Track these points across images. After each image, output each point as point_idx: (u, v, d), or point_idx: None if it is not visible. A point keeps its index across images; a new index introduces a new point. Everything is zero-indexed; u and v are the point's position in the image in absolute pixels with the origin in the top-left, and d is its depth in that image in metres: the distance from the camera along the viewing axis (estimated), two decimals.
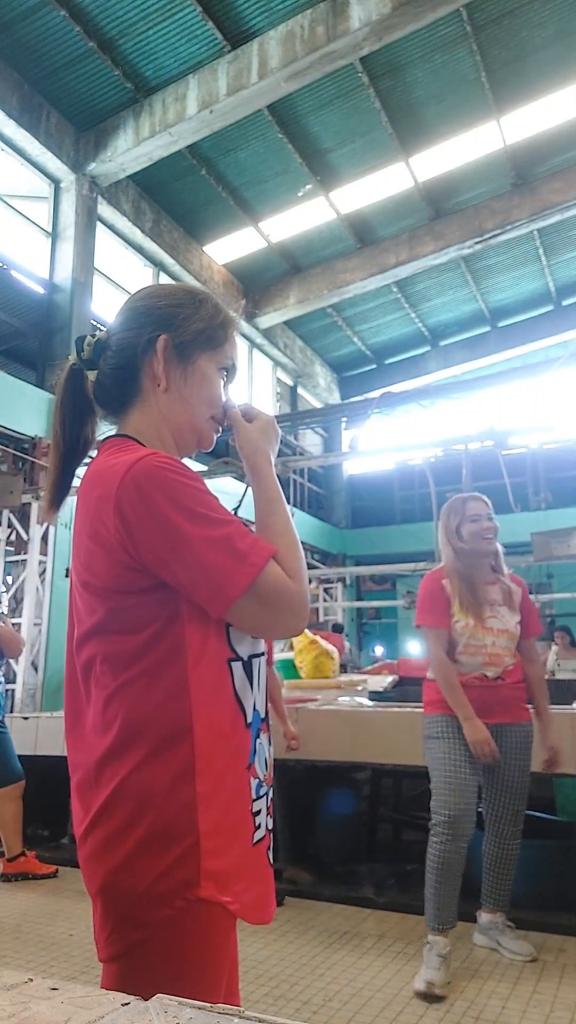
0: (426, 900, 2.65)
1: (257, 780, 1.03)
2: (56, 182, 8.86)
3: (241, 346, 12.94)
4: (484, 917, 2.90)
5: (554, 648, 8.32)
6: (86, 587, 1.00)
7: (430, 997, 2.47)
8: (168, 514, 0.93)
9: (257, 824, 1.02)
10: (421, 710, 2.97)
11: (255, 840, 1.01)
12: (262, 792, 1.04)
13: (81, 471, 1.11)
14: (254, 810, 1.01)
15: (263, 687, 1.08)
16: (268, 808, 1.07)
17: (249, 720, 1.02)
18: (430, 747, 2.77)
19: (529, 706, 2.91)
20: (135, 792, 0.93)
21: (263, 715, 1.07)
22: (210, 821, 0.93)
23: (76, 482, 1.11)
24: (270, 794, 1.08)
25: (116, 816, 0.93)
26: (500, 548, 2.94)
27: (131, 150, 8.50)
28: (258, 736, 1.05)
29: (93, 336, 1.10)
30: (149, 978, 0.86)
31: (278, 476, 1.19)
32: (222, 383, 1.13)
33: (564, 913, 3.09)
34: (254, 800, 1.02)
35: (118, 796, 0.94)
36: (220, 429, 1.16)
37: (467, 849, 2.66)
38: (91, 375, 1.10)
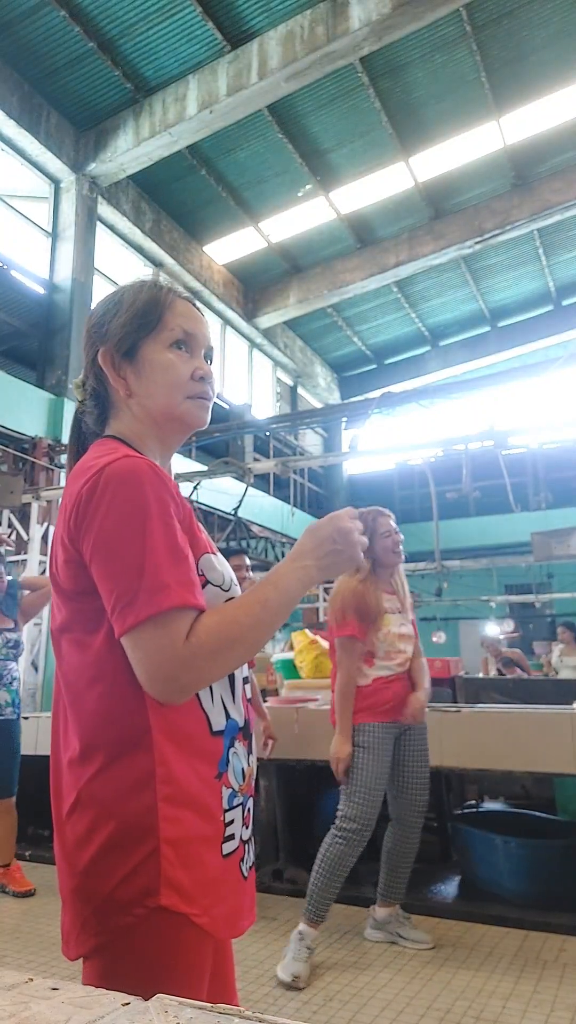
0: (312, 893, 2.78)
1: (230, 790, 1.00)
2: (56, 182, 8.86)
3: (241, 346, 12.94)
4: (380, 912, 2.99)
5: (557, 647, 8.31)
6: (54, 582, 1.01)
7: (294, 989, 2.57)
8: (106, 521, 0.91)
9: (229, 835, 0.99)
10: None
11: (226, 852, 0.98)
12: (236, 803, 1.01)
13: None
14: (226, 820, 0.98)
15: (238, 695, 1.05)
16: (244, 819, 1.03)
17: (218, 728, 0.99)
18: (357, 755, 2.84)
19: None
20: (97, 796, 0.93)
21: (240, 724, 1.04)
22: (173, 829, 0.91)
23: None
24: (248, 804, 1.04)
25: (82, 819, 0.93)
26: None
27: (131, 150, 8.50)
28: (232, 745, 1.01)
29: (79, 378, 1.13)
30: (115, 982, 0.84)
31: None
32: (181, 356, 1.07)
33: (564, 913, 3.08)
34: (226, 811, 0.98)
35: (82, 799, 0.94)
36: (209, 401, 1.09)
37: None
38: None
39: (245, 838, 1.03)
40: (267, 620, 0.96)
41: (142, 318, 1.06)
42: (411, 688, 2.93)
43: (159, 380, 1.05)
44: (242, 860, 1.02)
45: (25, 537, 7.35)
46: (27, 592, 3.96)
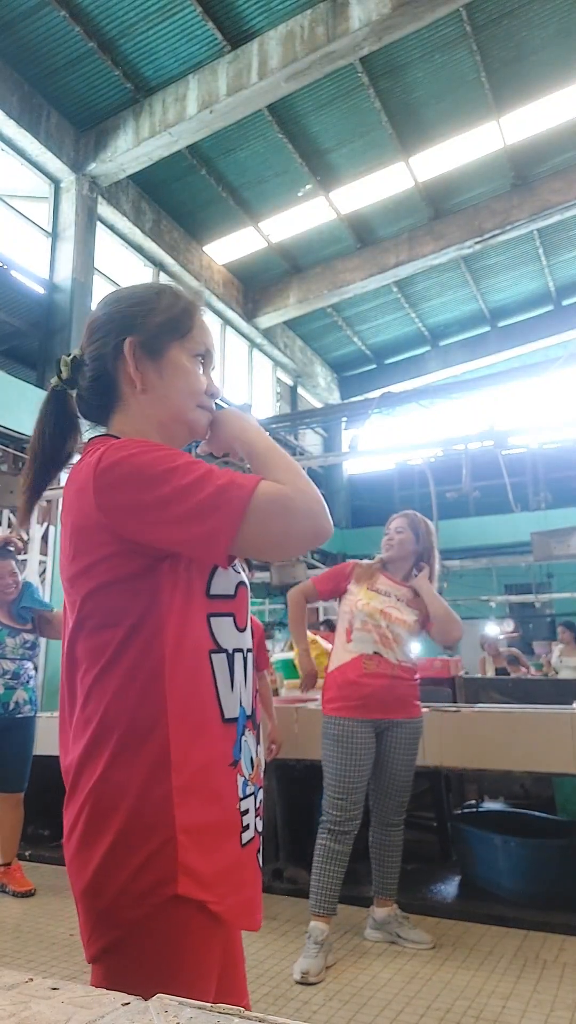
0: (311, 888, 2.88)
1: (243, 779, 1.00)
2: (56, 182, 8.86)
3: (241, 346, 12.94)
4: (379, 912, 3.01)
5: (557, 647, 8.32)
6: (71, 581, 1.01)
7: (306, 984, 2.61)
8: (144, 476, 0.94)
9: (245, 824, 0.99)
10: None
11: (244, 841, 0.98)
12: (249, 791, 1.01)
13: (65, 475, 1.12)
14: (241, 809, 0.98)
15: (248, 683, 1.06)
16: (257, 809, 1.03)
17: (231, 715, 1.00)
18: (326, 746, 2.91)
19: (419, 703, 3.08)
20: (109, 789, 0.92)
21: (248, 712, 1.04)
22: (188, 817, 0.91)
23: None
24: (259, 795, 1.05)
25: (93, 815, 0.93)
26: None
27: (131, 150, 8.49)
28: (243, 733, 1.02)
29: (69, 355, 1.12)
30: (127, 979, 0.84)
31: None
32: (200, 370, 1.12)
33: (564, 913, 3.09)
34: (241, 799, 0.99)
35: (94, 795, 0.93)
36: (211, 416, 1.14)
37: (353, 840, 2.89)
38: (75, 392, 1.12)
39: (259, 828, 1.04)
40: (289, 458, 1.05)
41: (177, 322, 1.10)
42: (402, 690, 2.94)
43: (179, 384, 1.08)
44: (258, 851, 1.03)
45: (25, 537, 7.34)
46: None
